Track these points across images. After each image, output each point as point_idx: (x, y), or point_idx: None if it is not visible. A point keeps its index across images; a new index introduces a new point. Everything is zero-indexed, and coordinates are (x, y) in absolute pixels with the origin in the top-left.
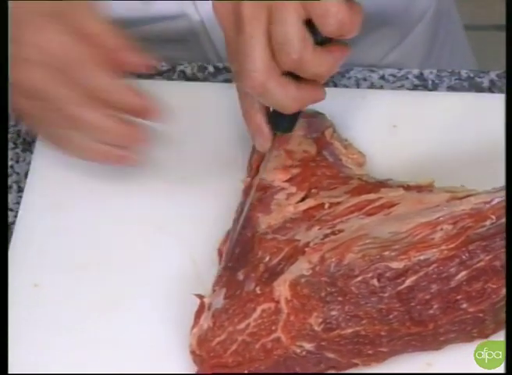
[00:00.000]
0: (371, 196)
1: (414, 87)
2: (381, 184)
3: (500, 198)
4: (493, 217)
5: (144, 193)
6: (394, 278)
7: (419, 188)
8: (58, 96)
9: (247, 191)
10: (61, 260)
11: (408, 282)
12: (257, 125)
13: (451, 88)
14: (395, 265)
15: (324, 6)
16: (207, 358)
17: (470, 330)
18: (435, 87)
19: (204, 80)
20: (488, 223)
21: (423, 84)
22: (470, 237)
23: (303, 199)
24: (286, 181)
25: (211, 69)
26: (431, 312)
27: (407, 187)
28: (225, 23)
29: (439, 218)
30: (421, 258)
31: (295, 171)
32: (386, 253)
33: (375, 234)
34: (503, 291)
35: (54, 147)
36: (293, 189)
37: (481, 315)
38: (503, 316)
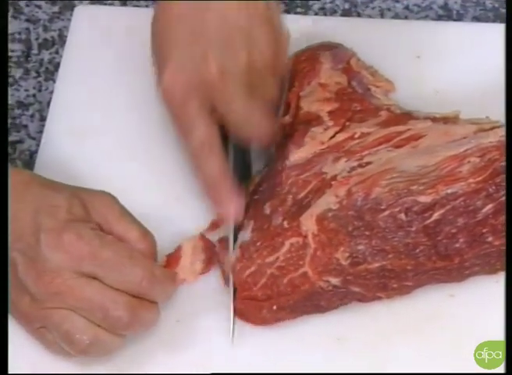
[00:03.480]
0: (400, 128)
1: (439, 18)
2: (409, 116)
3: None
4: None
5: (166, 124)
6: (421, 212)
7: (445, 120)
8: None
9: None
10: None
11: (435, 216)
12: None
13: (476, 19)
14: (422, 199)
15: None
16: (238, 290)
17: (494, 263)
18: (459, 18)
19: None
20: None
21: (447, 15)
22: (496, 169)
23: (335, 134)
24: (328, 113)
25: None
26: (457, 246)
27: (434, 119)
28: None
29: (466, 150)
30: (449, 191)
31: (335, 104)
32: (414, 187)
33: (402, 168)
34: None
35: None
36: (331, 123)
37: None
38: None
